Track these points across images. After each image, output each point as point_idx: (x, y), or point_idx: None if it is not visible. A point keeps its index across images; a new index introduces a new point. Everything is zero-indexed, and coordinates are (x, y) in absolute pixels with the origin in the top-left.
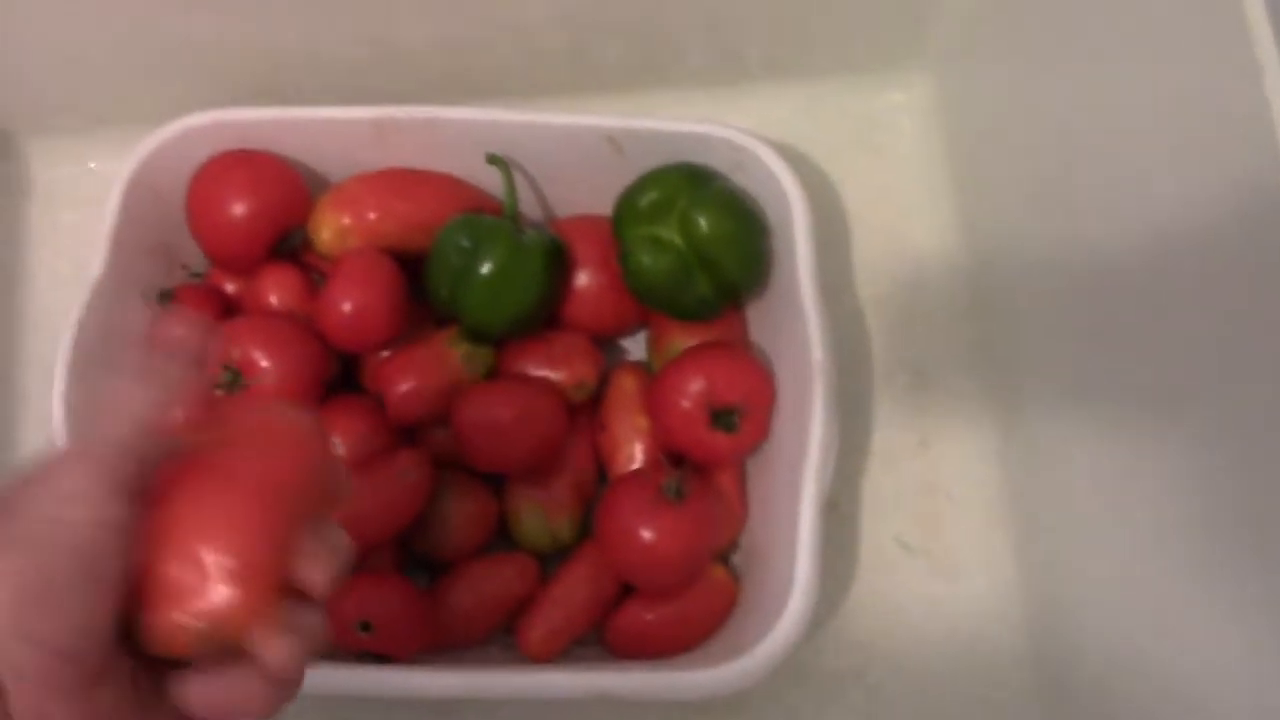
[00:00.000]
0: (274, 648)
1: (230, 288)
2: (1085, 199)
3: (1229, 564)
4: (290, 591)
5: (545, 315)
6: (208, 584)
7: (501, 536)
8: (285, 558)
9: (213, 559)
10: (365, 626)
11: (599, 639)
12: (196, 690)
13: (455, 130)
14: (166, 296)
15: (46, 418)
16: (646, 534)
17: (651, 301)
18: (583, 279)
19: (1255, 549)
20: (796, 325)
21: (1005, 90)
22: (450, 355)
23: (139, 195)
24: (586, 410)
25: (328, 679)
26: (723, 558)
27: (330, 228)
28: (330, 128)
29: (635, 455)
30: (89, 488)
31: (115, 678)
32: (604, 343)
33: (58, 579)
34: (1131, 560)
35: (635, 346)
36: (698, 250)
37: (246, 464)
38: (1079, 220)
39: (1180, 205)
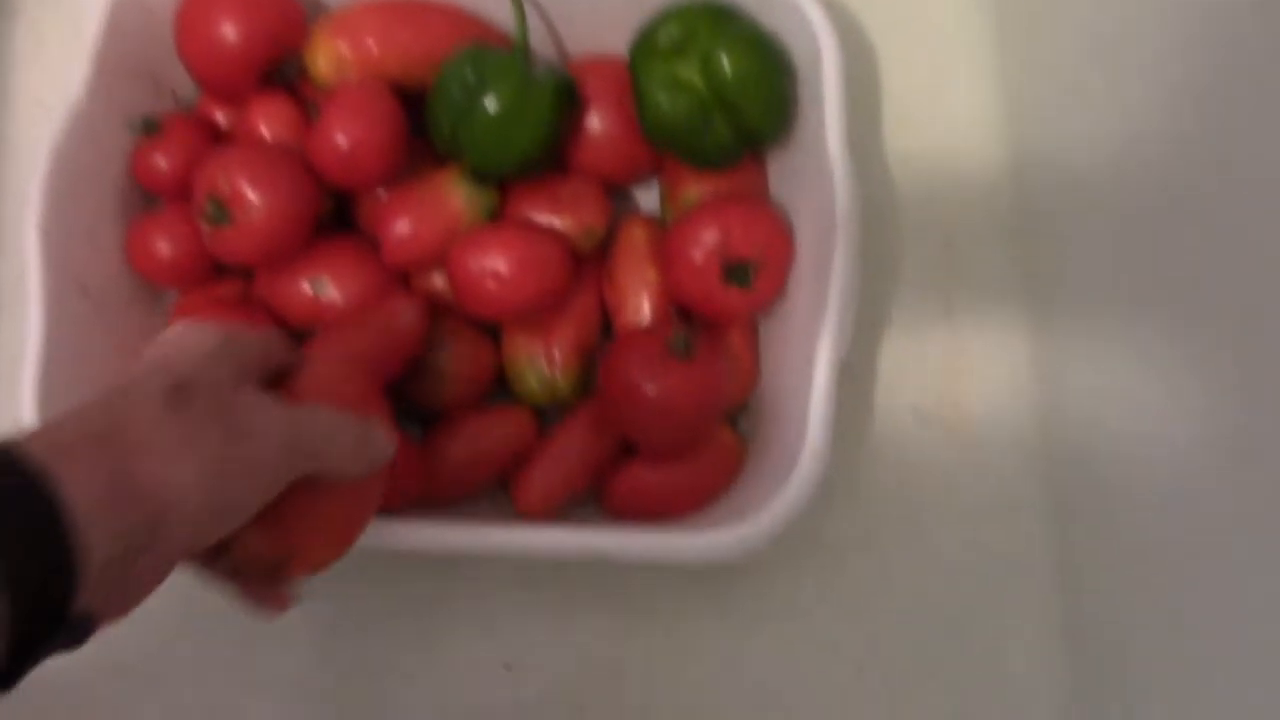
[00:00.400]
0: None
1: (220, 117)
2: (1133, 91)
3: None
4: None
5: (553, 158)
6: None
7: (500, 389)
8: None
9: None
10: None
11: (597, 499)
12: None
13: None
14: (151, 125)
15: (22, 248)
16: (651, 390)
17: (667, 145)
18: (594, 121)
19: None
20: (820, 177)
21: None
22: (451, 196)
23: (126, 14)
24: (593, 260)
25: None
26: (731, 419)
27: (326, 56)
28: None
29: (643, 309)
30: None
31: None
32: (614, 191)
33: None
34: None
35: (647, 197)
36: (718, 92)
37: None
38: (1127, 115)
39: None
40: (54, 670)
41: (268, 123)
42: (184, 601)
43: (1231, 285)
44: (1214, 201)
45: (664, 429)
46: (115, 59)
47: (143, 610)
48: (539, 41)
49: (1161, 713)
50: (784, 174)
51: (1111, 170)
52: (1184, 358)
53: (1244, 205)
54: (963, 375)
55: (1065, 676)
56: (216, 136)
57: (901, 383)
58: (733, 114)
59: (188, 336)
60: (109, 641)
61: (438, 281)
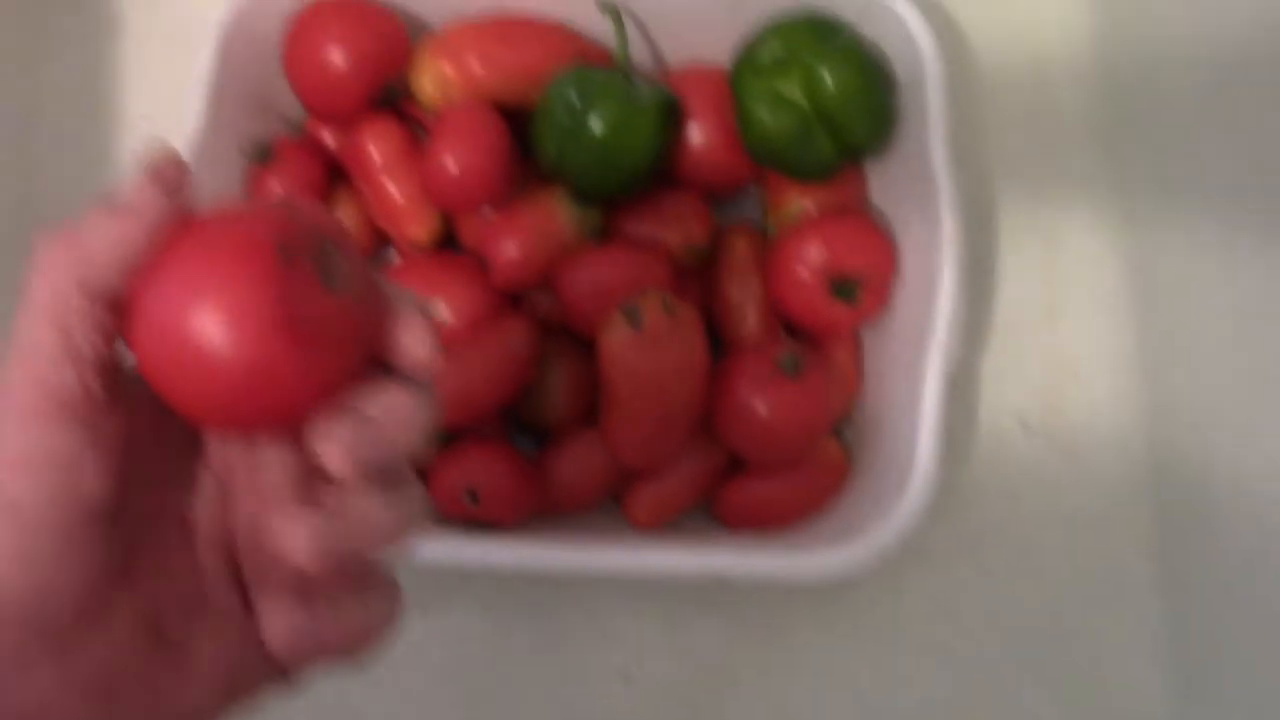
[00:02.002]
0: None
1: (329, 141)
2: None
3: None
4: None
5: (656, 174)
6: None
7: None
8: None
9: None
10: (473, 495)
11: (707, 510)
12: (280, 616)
13: None
14: (265, 152)
15: None
16: (762, 409)
17: (769, 161)
18: (695, 134)
19: None
20: (925, 191)
21: None
22: (557, 217)
23: (236, 42)
24: (696, 274)
25: (436, 550)
26: (835, 430)
27: (431, 78)
28: None
29: (749, 321)
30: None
31: (112, 619)
32: (715, 201)
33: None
34: (1268, 457)
35: (750, 207)
36: (821, 107)
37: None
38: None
39: None
40: None
41: (376, 144)
42: None
43: None
44: None
45: (774, 446)
46: (226, 86)
47: None
48: (639, 53)
49: None
50: (885, 183)
51: (1226, 166)
52: None
53: None
54: (1066, 381)
55: (1168, 687)
56: (327, 159)
57: (1005, 389)
58: (835, 128)
59: None
60: None
61: (545, 300)
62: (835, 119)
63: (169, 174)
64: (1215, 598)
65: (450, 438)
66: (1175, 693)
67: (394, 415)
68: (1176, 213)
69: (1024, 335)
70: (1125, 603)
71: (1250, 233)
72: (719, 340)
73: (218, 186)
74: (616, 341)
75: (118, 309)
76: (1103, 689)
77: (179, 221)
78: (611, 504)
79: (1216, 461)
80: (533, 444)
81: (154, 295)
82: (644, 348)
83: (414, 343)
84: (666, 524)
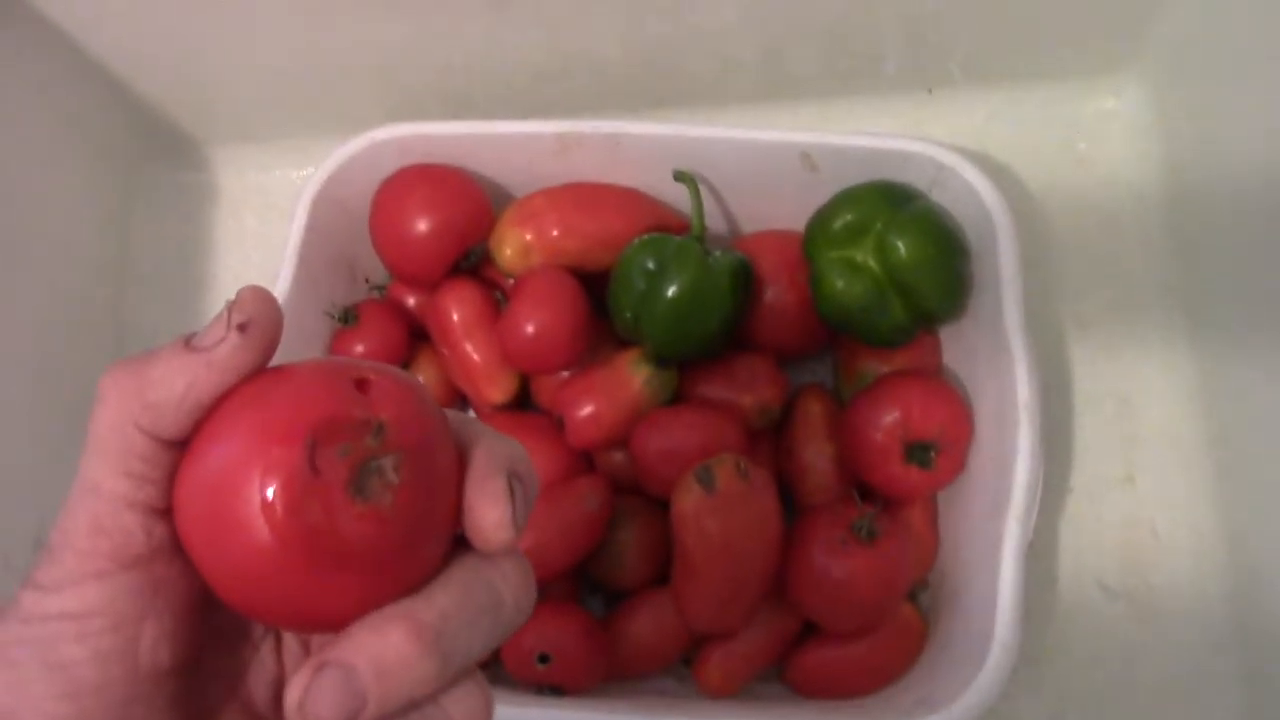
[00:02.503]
0: None
1: (411, 302)
2: None
3: None
4: None
5: (730, 337)
6: None
7: None
8: None
9: None
10: (543, 658)
11: (780, 676)
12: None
13: (641, 144)
14: (351, 316)
15: None
16: (837, 574)
17: (843, 327)
18: (769, 297)
19: None
20: (1000, 357)
21: (1230, 99)
22: (632, 379)
23: (323, 209)
24: (768, 435)
25: (507, 713)
26: (911, 595)
27: (513, 244)
28: (514, 141)
29: (823, 483)
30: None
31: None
32: (788, 363)
33: None
34: None
35: (821, 367)
36: (894, 276)
37: None
38: None
39: None
40: None
41: (458, 307)
42: None
43: None
44: None
45: (848, 612)
46: (314, 250)
47: None
48: (713, 219)
49: None
50: (960, 347)
51: None
52: None
53: None
54: (1147, 545)
55: None
56: (408, 320)
57: (1084, 554)
58: (909, 296)
59: None
60: None
61: (619, 459)
62: (908, 286)
63: (256, 318)
64: None
65: None
66: None
67: (387, 667)
68: (1253, 368)
69: (1102, 497)
70: None
71: None
72: (792, 504)
73: (304, 348)
74: (690, 504)
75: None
76: None
77: (254, 370)
78: (682, 668)
79: None
80: (602, 605)
81: (188, 456)
82: (717, 511)
83: (491, 526)
84: (738, 690)
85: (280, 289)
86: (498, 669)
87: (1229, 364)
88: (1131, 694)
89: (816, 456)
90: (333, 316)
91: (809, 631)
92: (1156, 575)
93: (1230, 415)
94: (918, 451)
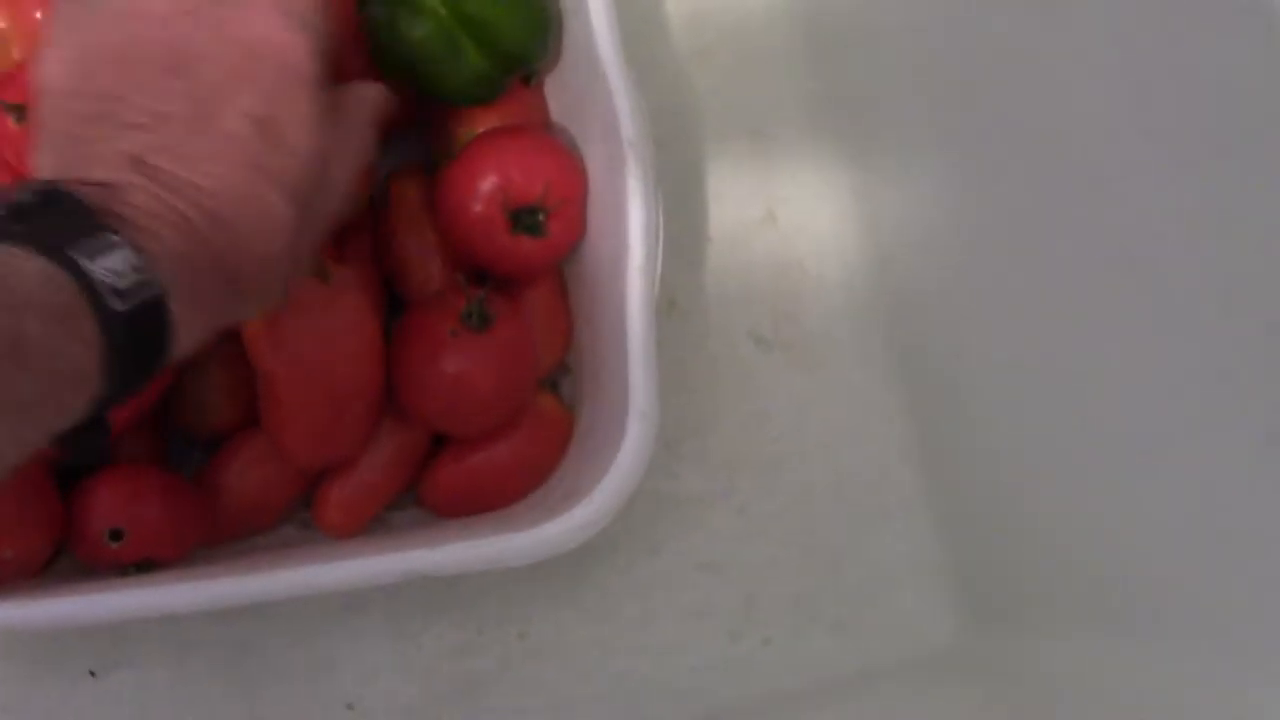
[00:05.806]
0: None
1: None
2: None
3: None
4: None
5: None
6: None
7: None
8: None
9: None
10: (115, 534)
11: (416, 500)
12: None
13: None
14: None
15: None
16: (451, 371)
17: (412, 83)
18: None
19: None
20: (601, 97)
21: None
22: None
23: None
24: (367, 227)
25: (73, 607)
26: (552, 384)
27: None
28: None
29: (430, 274)
30: None
31: None
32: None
33: None
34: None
35: (419, 145)
36: (461, 13)
37: None
38: None
39: None
40: None
41: None
42: None
43: None
44: None
45: (471, 411)
46: None
47: None
48: None
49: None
50: (562, 98)
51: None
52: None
53: None
54: (798, 285)
55: (951, 604)
56: None
57: (732, 307)
58: (482, 35)
59: None
60: None
61: None
62: (479, 22)
63: None
64: (984, 499)
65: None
66: (959, 609)
67: None
68: (887, 100)
69: (744, 242)
70: (894, 513)
71: (959, 97)
72: (403, 305)
73: None
74: (258, 323)
75: None
76: (883, 613)
77: None
78: (305, 513)
79: (966, 369)
80: (202, 457)
81: None
82: (292, 322)
83: None
84: (365, 525)
85: None
86: (70, 558)
87: (858, 80)
88: (802, 448)
89: (418, 246)
90: None
91: (442, 446)
92: (810, 318)
93: (864, 132)
94: (525, 218)
